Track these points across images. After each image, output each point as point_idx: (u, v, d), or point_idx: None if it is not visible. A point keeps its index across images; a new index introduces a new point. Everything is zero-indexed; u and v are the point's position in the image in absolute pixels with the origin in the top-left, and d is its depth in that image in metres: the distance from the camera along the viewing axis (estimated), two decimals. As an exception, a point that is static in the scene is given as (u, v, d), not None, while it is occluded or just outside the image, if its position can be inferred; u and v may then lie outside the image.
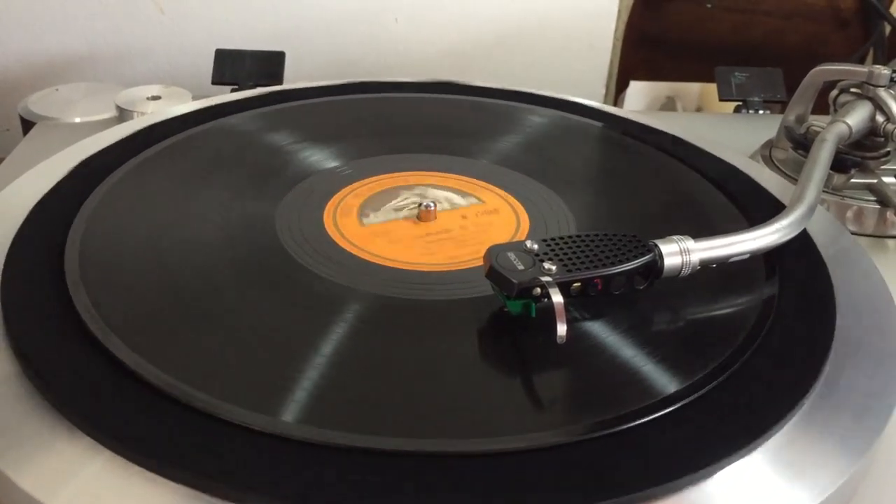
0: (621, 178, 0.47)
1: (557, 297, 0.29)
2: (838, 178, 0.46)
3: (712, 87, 0.65)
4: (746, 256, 0.34)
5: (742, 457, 0.26)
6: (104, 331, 0.29)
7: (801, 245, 0.38)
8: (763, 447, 0.27)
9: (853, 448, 0.27)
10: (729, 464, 0.26)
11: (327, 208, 0.40)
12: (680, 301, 0.34)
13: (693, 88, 0.82)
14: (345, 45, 0.75)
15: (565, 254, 0.32)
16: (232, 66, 0.61)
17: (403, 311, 0.33)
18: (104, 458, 0.25)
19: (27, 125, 0.57)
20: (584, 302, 0.32)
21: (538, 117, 0.52)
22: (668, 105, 0.82)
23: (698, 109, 0.82)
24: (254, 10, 0.73)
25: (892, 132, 0.45)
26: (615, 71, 0.81)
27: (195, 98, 0.57)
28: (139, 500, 0.24)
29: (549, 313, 0.29)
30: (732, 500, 0.25)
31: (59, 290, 0.32)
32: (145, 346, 0.29)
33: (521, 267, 0.31)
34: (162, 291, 0.33)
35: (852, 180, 0.47)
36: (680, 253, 0.32)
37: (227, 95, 0.53)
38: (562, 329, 0.29)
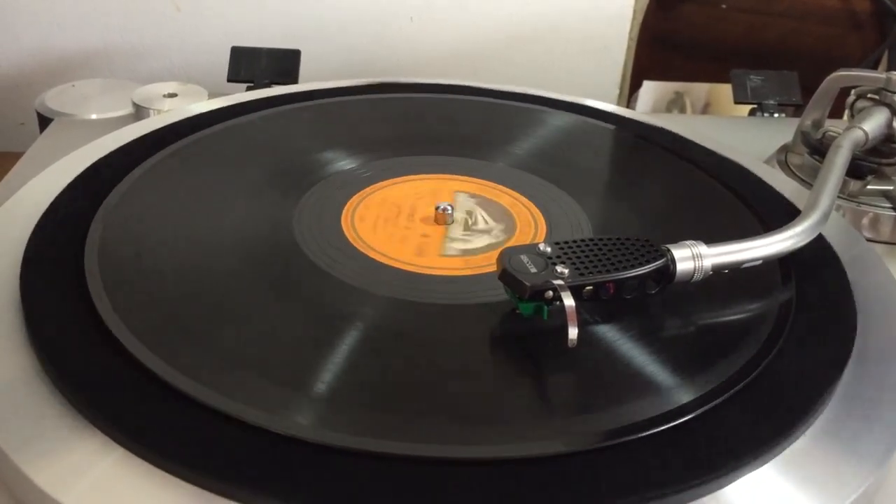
0: (635, 182, 0.47)
1: (569, 301, 0.29)
2: (854, 185, 0.46)
3: (720, 85, 0.65)
4: (759, 262, 0.34)
5: (757, 467, 0.26)
6: (121, 329, 0.30)
7: (818, 252, 0.37)
8: (779, 458, 0.27)
9: (870, 459, 0.27)
10: (744, 474, 0.26)
11: (345, 210, 0.40)
12: (694, 308, 0.34)
13: (702, 85, 0.81)
14: (360, 44, 0.76)
15: (578, 257, 0.32)
16: (248, 63, 0.62)
17: (418, 314, 0.33)
18: (118, 455, 0.25)
19: (44, 121, 0.57)
20: (596, 306, 0.32)
21: (554, 120, 0.52)
22: (677, 101, 0.81)
23: (707, 105, 0.82)
24: (269, 9, 0.73)
25: (909, 139, 0.45)
26: (629, 72, 0.81)
27: (211, 96, 0.57)
28: (151, 498, 0.24)
29: (560, 316, 0.29)
30: (746, 509, 0.25)
31: (78, 288, 0.32)
32: (162, 344, 0.29)
33: (533, 270, 0.31)
34: (179, 290, 0.33)
35: (868, 187, 0.46)
36: (692, 258, 0.32)
37: (245, 94, 0.53)
38: (573, 332, 0.29)
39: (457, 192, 0.43)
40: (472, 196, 0.42)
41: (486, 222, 0.40)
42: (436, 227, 0.39)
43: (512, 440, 0.26)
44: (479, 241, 0.39)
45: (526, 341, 0.32)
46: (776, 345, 0.31)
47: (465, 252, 0.38)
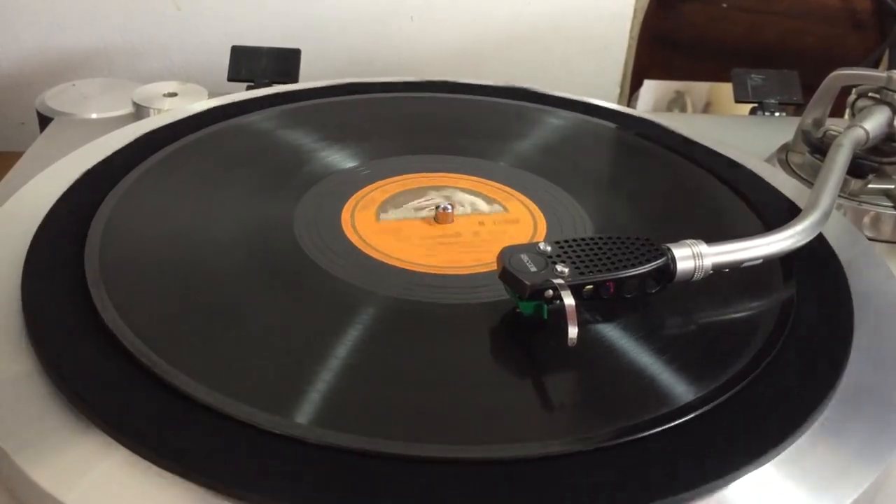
0: (636, 181, 0.47)
1: (569, 300, 0.29)
2: (855, 184, 0.46)
3: (721, 84, 0.65)
4: (759, 261, 0.34)
5: (759, 466, 0.26)
6: (122, 329, 0.30)
7: (819, 250, 0.37)
8: (780, 457, 0.27)
9: (871, 458, 0.27)
10: (746, 473, 0.26)
11: (345, 209, 0.40)
12: (696, 307, 0.34)
13: (702, 84, 0.81)
14: (360, 43, 0.76)
15: (578, 256, 0.32)
16: (248, 63, 0.62)
17: (418, 313, 0.33)
18: (119, 455, 0.25)
19: (44, 120, 0.57)
20: (597, 305, 0.32)
21: (554, 119, 0.52)
22: (678, 100, 0.81)
23: (707, 104, 0.82)
24: (269, 8, 0.73)
25: (910, 137, 0.45)
26: (630, 71, 0.81)
27: (211, 95, 0.57)
28: (152, 497, 0.24)
29: (561, 315, 0.29)
30: (748, 509, 0.25)
31: (79, 288, 0.32)
32: (162, 344, 0.29)
33: (533, 269, 0.31)
34: (180, 290, 0.33)
35: (869, 185, 0.46)
36: (692, 257, 0.32)
37: (245, 93, 0.53)
38: (573, 332, 0.29)
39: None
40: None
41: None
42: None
43: (512, 440, 0.26)
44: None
45: (526, 341, 0.32)
46: (777, 344, 0.31)
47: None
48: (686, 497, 0.25)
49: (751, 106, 0.64)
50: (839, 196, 0.43)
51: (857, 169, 0.46)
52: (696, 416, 0.27)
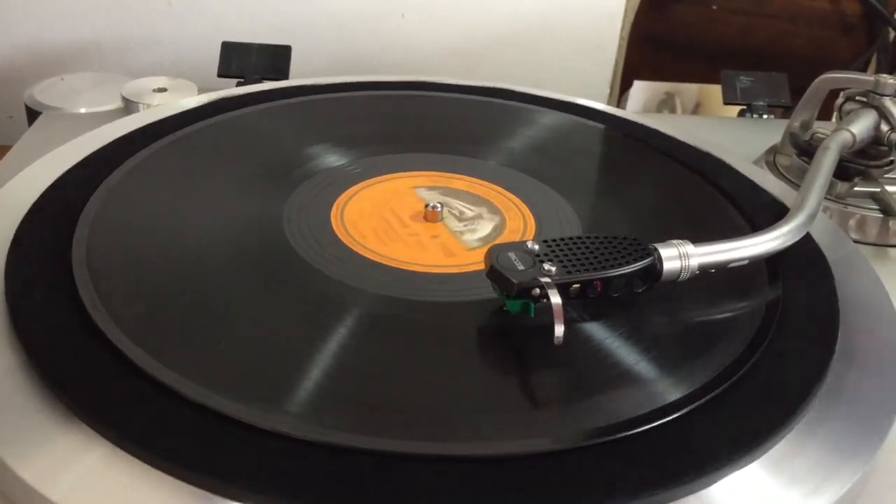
0: (625, 181, 0.47)
1: (556, 299, 0.29)
2: (841, 186, 0.47)
3: (711, 86, 0.65)
4: (745, 262, 0.34)
5: (743, 466, 0.26)
6: (108, 323, 0.29)
7: (806, 252, 0.38)
8: (765, 456, 0.27)
9: (855, 457, 0.27)
10: (730, 473, 0.26)
11: (335, 207, 0.40)
12: (681, 307, 0.34)
13: (692, 86, 0.82)
14: (351, 40, 0.75)
15: (565, 255, 0.32)
16: (238, 59, 0.62)
17: (406, 311, 0.33)
18: (104, 449, 0.25)
19: (32, 114, 0.57)
20: (584, 304, 0.33)
21: (544, 119, 0.52)
22: (667, 101, 0.82)
23: (697, 106, 0.82)
24: (261, 4, 0.73)
25: (897, 141, 0.45)
26: (620, 71, 0.81)
27: (201, 91, 0.57)
28: (136, 492, 0.24)
29: (548, 314, 0.29)
30: (732, 508, 0.25)
31: (64, 282, 0.32)
32: (148, 339, 0.29)
33: (521, 267, 0.31)
34: (167, 286, 0.33)
35: (855, 188, 0.47)
36: (679, 257, 0.32)
37: (235, 89, 0.53)
38: (559, 330, 0.29)
39: (450, 190, 0.43)
40: (466, 194, 0.43)
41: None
42: (426, 225, 0.39)
43: (500, 438, 0.27)
44: (484, 228, 0.39)
45: (513, 339, 0.32)
46: (762, 344, 0.31)
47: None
48: (670, 496, 0.25)
49: (739, 108, 0.65)
50: (825, 198, 0.44)
51: (844, 172, 0.46)
52: (680, 416, 0.28)
